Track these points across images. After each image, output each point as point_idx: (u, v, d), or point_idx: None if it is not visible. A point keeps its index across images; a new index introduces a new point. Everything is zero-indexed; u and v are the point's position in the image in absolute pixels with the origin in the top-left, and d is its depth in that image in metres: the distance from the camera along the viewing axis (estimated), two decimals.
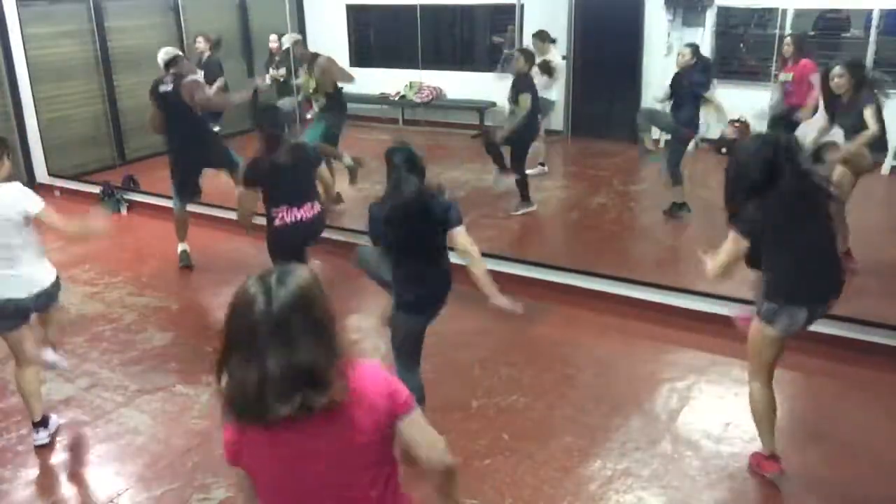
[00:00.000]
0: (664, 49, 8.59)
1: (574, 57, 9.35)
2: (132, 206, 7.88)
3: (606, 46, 9.08)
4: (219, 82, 8.35)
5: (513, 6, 8.11)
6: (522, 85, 6.75)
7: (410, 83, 10.49)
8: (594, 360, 4.65)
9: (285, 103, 8.22)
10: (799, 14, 8.27)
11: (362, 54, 11.28)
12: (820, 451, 3.68)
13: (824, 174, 3.52)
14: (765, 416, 3.40)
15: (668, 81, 6.78)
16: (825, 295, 3.31)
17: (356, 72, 10.97)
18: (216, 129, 7.89)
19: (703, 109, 6.74)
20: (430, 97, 10.40)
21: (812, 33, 8.43)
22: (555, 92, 8.00)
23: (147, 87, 6.07)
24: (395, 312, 3.59)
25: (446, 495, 1.98)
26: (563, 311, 5.26)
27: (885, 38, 7.88)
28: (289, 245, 4.61)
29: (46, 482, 3.78)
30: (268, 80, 8.55)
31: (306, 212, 4.60)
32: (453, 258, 3.63)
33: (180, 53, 6.19)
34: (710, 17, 8.64)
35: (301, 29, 10.43)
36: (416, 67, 10.11)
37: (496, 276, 5.63)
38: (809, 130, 5.75)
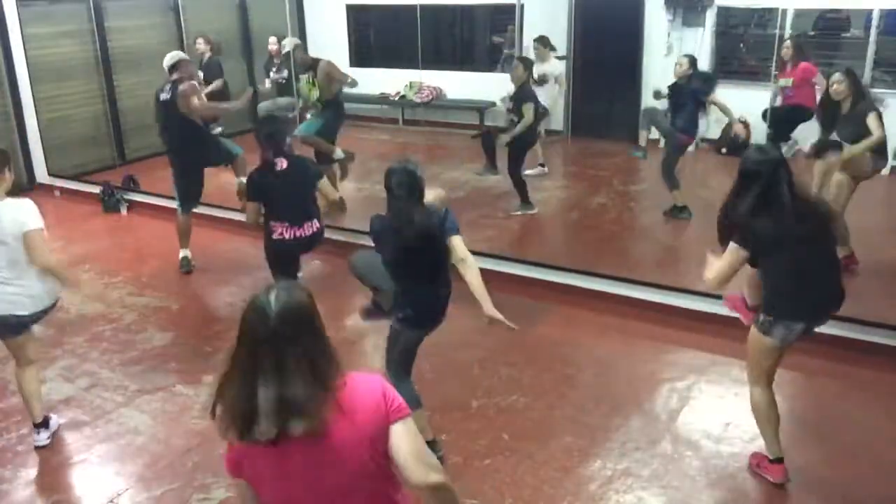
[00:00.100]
0: (664, 49, 8.59)
1: (574, 57, 9.35)
2: (132, 206, 7.88)
3: (606, 46, 9.08)
4: (217, 83, 8.37)
5: (513, 6, 8.11)
6: (524, 94, 6.76)
7: (410, 83, 10.48)
8: (594, 360, 4.65)
9: (284, 103, 8.23)
10: (799, 14, 8.27)
11: (362, 54, 11.28)
12: (820, 451, 3.68)
13: (820, 196, 3.53)
14: (768, 419, 3.40)
15: (667, 88, 6.77)
16: (823, 312, 3.33)
17: (356, 72, 10.99)
18: (217, 129, 7.90)
19: (703, 112, 6.74)
20: (430, 97, 10.40)
21: (812, 33, 8.43)
22: (546, 99, 7.93)
23: (147, 87, 6.11)
24: (394, 325, 3.58)
25: None
26: (563, 311, 5.26)
27: (885, 38, 7.87)
28: (286, 257, 4.76)
29: (46, 482, 3.78)
30: (268, 84, 8.56)
31: (306, 230, 4.70)
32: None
33: (185, 57, 6.17)
34: (710, 17, 8.63)
35: (301, 29, 10.44)
36: (416, 67, 10.11)
37: (496, 276, 5.68)
38: (809, 135, 5.74)
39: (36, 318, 3.80)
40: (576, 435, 3.88)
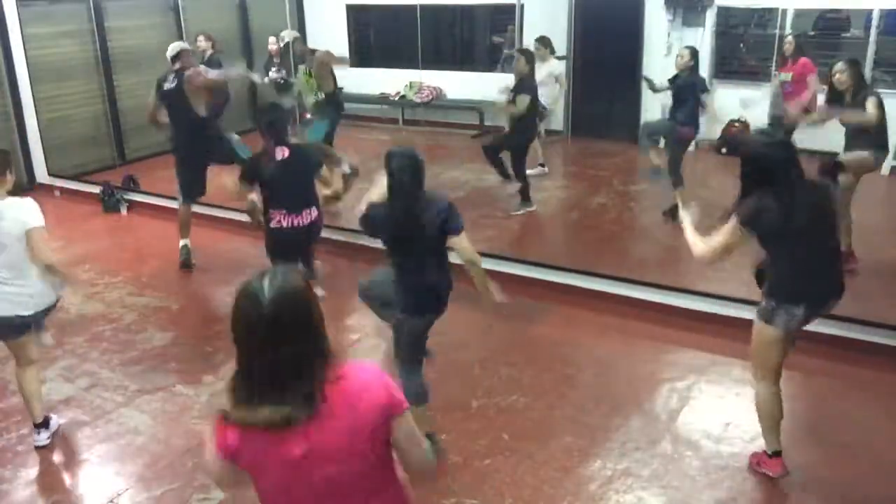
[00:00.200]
0: (664, 49, 8.59)
1: (574, 57, 9.35)
2: (132, 206, 7.88)
3: (606, 46, 9.08)
4: (222, 72, 8.30)
5: (513, 6, 8.11)
6: (522, 87, 6.76)
7: (410, 83, 10.49)
8: (594, 360, 4.65)
9: (284, 103, 8.22)
10: (799, 14, 8.28)
11: (362, 54, 11.29)
12: (820, 451, 3.68)
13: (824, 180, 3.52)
14: (770, 414, 3.40)
15: (668, 81, 6.78)
16: (825, 296, 3.32)
17: (356, 72, 11.03)
18: (235, 137, 7.86)
19: (702, 109, 6.74)
20: (430, 97, 10.40)
21: (812, 33, 8.44)
22: (547, 99, 7.93)
23: (147, 87, 6.08)
24: (397, 314, 3.59)
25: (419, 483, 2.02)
26: (563, 311, 5.26)
27: (885, 38, 7.88)
28: (285, 246, 4.69)
29: (46, 482, 3.78)
30: (266, 80, 8.53)
31: (304, 218, 4.67)
32: (452, 257, 3.63)
33: (187, 47, 6.15)
34: (710, 17, 8.64)
35: (301, 29, 10.44)
36: (416, 67, 10.11)
37: (496, 276, 5.64)
38: (805, 137, 5.74)
39: (37, 318, 3.80)
40: (576, 435, 3.88)
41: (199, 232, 6.48)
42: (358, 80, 10.84)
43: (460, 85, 10.19)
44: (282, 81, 8.42)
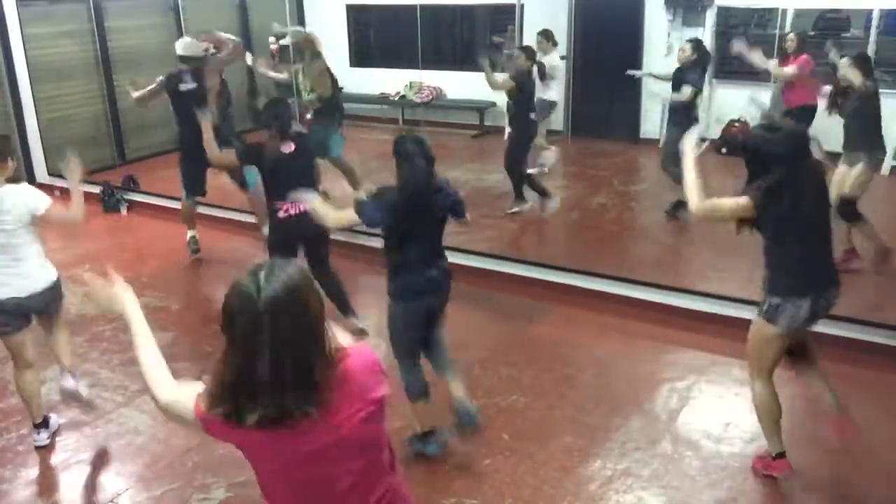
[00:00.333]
0: (664, 49, 8.59)
1: (574, 57, 9.35)
2: (132, 206, 7.88)
3: (606, 46, 9.08)
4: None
5: (513, 6, 8.12)
6: (517, 84, 6.75)
7: (410, 83, 10.48)
8: (594, 360, 4.65)
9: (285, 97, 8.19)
10: (799, 14, 8.28)
11: (362, 54, 11.29)
12: (820, 451, 3.67)
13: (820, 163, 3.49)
14: (769, 414, 3.40)
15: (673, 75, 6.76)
16: (826, 285, 3.29)
17: (356, 72, 11.02)
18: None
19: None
20: (430, 97, 10.40)
21: (812, 33, 8.43)
22: (555, 92, 7.99)
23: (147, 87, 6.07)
24: (391, 305, 3.56)
25: None
26: (563, 311, 5.26)
27: (885, 38, 7.88)
28: (295, 234, 4.59)
29: (46, 482, 3.78)
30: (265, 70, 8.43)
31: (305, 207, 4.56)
32: (449, 256, 3.64)
33: (199, 51, 6.09)
34: (710, 17, 8.64)
35: None
36: (416, 67, 10.10)
37: (496, 276, 5.69)
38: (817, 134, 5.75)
39: (37, 305, 3.77)
40: (576, 435, 3.88)
41: (200, 231, 6.48)
42: (358, 80, 10.84)
43: (460, 85, 10.18)
44: (281, 82, 8.37)
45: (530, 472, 3.61)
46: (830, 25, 8.54)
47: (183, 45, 5.98)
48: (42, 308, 3.84)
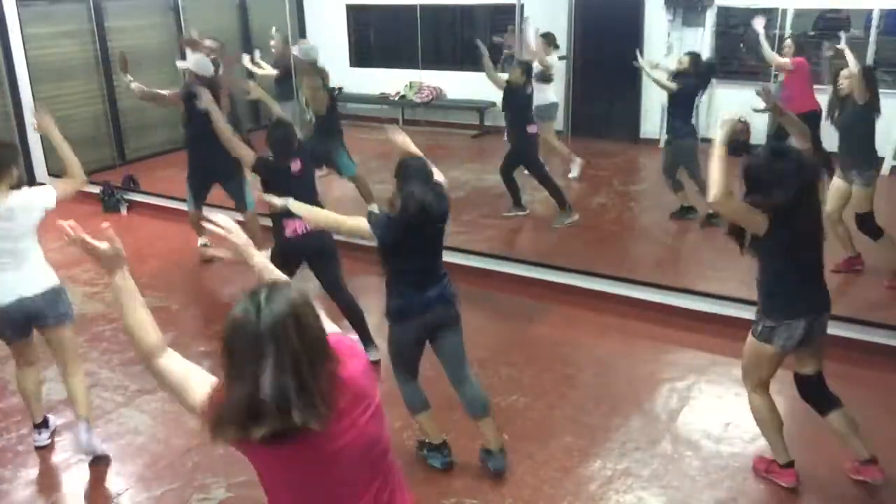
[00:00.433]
0: (664, 49, 8.59)
1: (574, 57, 9.33)
2: (132, 206, 7.88)
3: (606, 46, 9.07)
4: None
5: (513, 6, 8.10)
6: (511, 91, 6.76)
7: (410, 83, 10.48)
8: (594, 360, 4.65)
9: (286, 108, 8.18)
10: (799, 14, 8.27)
11: (362, 54, 11.28)
12: (820, 451, 3.67)
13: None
14: (771, 424, 3.40)
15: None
16: (820, 308, 3.31)
17: (356, 72, 11.00)
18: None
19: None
20: (430, 97, 10.40)
21: (812, 33, 8.43)
22: (552, 94, 7.96)
23: (147, 85, 6.08)
24: (389, 324, 3.56)
25: None
26: (563, 311, 5.26)
27: (885, 38, 7.87)
28: (297, 257, 4.56)
29: (46, 482, 3.78)
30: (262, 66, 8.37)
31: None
32: (449, 256, 3.63)
33: (215, 65, 6.06)
34: (710, 17, 8.63)
35: (301, 29, 10.43)
36: (416, 67, 10.10)
37: (496, 276, 5.69)
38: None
39: (40, 306, 3.69)
40: (576, 435, 3.88)
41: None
42: (358, 80, 10.83)
43: (460, 85, 10.17)
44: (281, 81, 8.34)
45: (530, 472, 3.61)
46: (830, 25, 8.53)
47: (195, 63, 5.93)
48: (43, 313, 3.71)
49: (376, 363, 4.39)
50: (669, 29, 8.72)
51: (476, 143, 9.90)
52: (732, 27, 8.94)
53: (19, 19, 8.18)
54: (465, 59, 10.79)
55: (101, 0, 8.83)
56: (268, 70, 8.23)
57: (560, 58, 8.60)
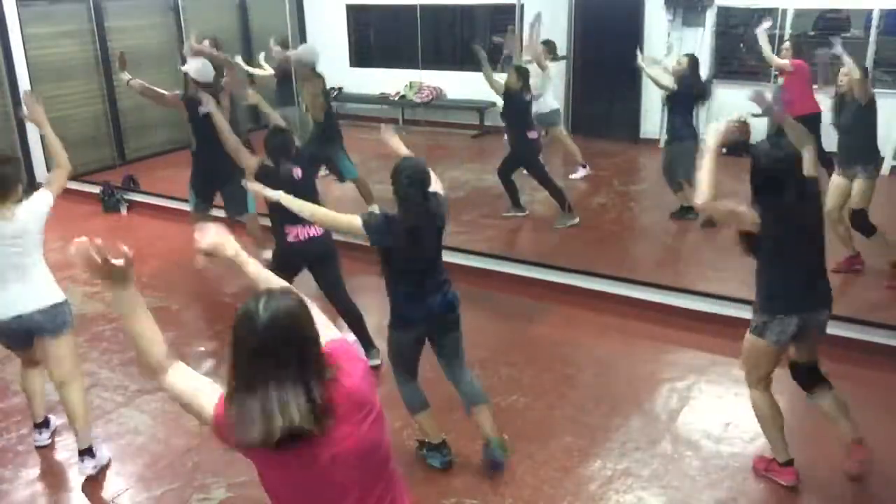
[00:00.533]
0: (664, 49, 8.59)
1: (574, 57, 9.35)
2: (132, 206, 7.88)
3: (606, 46, 9.07)
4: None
5: (513, 6, 8.10)
6: (507, 100, 6.76)
7: (410, 83, 10.48)
8: (594, 360, 4.65)
9: (286, 112, 8.17)
10: (799, 14, 8.27)
11: (362, 54, 11.28)
12: (820, 450, 3.67)
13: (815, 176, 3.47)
14: (773, 422, 3.40)
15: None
16: (816, 305, 3.31)
17: (356, 72, 11.01)
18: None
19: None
20: (430, 97, 10.40)
21: (812, 33, 8.43)
22: (552, 100, 7.91)
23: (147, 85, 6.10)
24: (389, 329, 3.56)
25: None
26: (563, 311, 5.26)
27: (885, 38, 7.87)
28: (299, 262, 4.55)
29: (46, 482, 3.78)
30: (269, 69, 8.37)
31: (317, 229, 4.52)
32: (449, 256, 3.62)
33: (210, 72, 6.07)
34: (710, 17, 8.64)
35: (301, 29, 10.43)
36: (416, 67, 10.11)
37: (496, 276, 5.69)
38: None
39: (39, 320, 3.63)
40: (576, 435, 3.88)
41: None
42: (358, 80, 10.84)
43: (460, 85, 10.18)
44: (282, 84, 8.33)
45: (530, 472, 3.62)
46: (830, 25, 8.53)
47: (195, 70, 5.93)
48: (42, 327, 3.63)
49: (377, 367, 4.39)
50: (669, 29, 8.73)
51: (476, 143, 9.90)
52: (732, 27, 8.95)
53: (19, 19, 8.19)
54: (465, 59, 10.78)
55: (101, 0, 8.84)
56: (267, 70, 8.23)
57: (560, 58, 8.60)
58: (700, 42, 8.40)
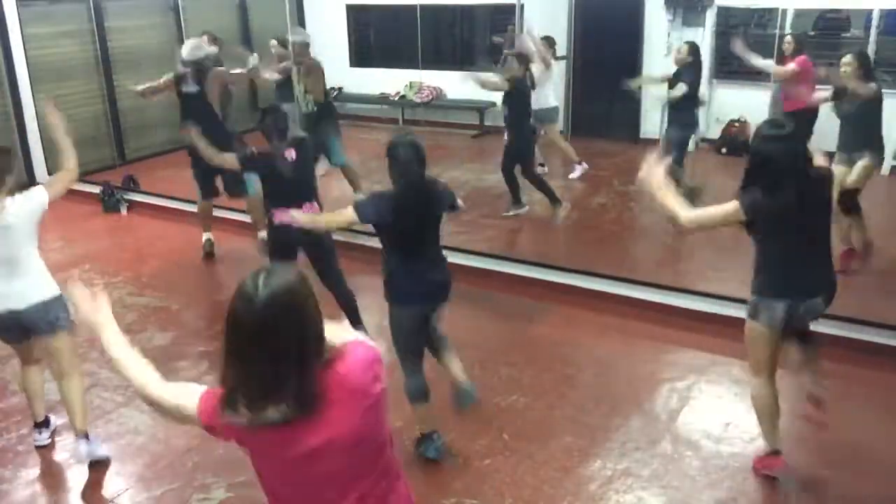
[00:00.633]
0: (664, 49, 8.59)
1: (574, 57, 9.34)
2: (132, 206, 7.87)
3: (606, 46, 9.08)
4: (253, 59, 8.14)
5: (513, 6, 8.10)
6: (509, 93, 6.75)
7: (410, 83, 10.48)
8: (594, 360, 4.65)
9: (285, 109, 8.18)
10: (799, 14, 8.27)
11: (362, 54, 11.29)
12: (820, 450, 3.68)
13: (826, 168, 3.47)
14: (767, 411, 3.41)
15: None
16: (810, 293, 3.29)
17: (356, 72, 11.01)
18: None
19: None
20: (430, 97, 10.40)
21: (812, 33, 8.43)
22: (552, 97, 7.93)
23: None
24: (391, 308, 3.57)
25: None
26: (563, 311, 5.26)
27: (885, 38, 7.87)
28: (292, 240, 4.55)
29: (46, 482, 3.78)
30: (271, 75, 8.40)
31: (307, 209, 4.53)
32: (449, 256, 3.63)
33: (205, 51, 6.11)
34: (710, 17, 8.64)
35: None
36: (416, 67, 10.11)
37: (496, 276, 5.69)
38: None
39: (34, 317, 3.62)
40: (576, 435, 3.88)
41: (199, 232, 6.48)
42: (358, 80, 10.84)
43: (460, 85, 10.15)
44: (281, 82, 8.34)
45: (530, 472, 3.62)
46: (830, 25, 8.55)
47: (187, 49, 6.00)
48: (35, 323, 3.63)
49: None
50: (669, 29, 8.73)
51: (476, 143, 9.90)
52: (732, 27, 8.93)
53: (19, 19, 8.18)
54: (465, 59, 10.80)
55: (101, 0, 8.84)
56: (272, 76, 8.23)
57: (560, 58, 8.61)
58: (700, 42, 8.37)
